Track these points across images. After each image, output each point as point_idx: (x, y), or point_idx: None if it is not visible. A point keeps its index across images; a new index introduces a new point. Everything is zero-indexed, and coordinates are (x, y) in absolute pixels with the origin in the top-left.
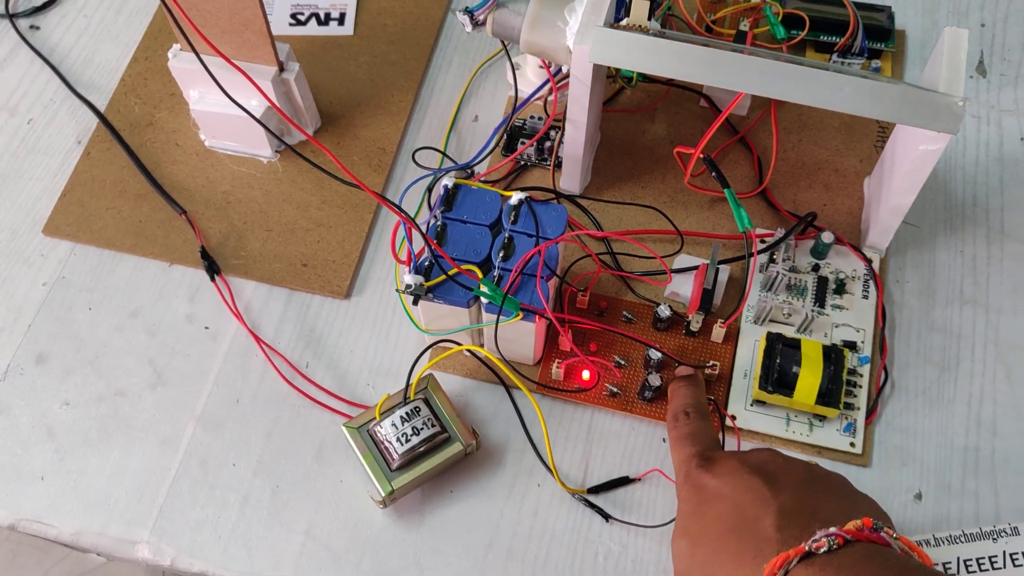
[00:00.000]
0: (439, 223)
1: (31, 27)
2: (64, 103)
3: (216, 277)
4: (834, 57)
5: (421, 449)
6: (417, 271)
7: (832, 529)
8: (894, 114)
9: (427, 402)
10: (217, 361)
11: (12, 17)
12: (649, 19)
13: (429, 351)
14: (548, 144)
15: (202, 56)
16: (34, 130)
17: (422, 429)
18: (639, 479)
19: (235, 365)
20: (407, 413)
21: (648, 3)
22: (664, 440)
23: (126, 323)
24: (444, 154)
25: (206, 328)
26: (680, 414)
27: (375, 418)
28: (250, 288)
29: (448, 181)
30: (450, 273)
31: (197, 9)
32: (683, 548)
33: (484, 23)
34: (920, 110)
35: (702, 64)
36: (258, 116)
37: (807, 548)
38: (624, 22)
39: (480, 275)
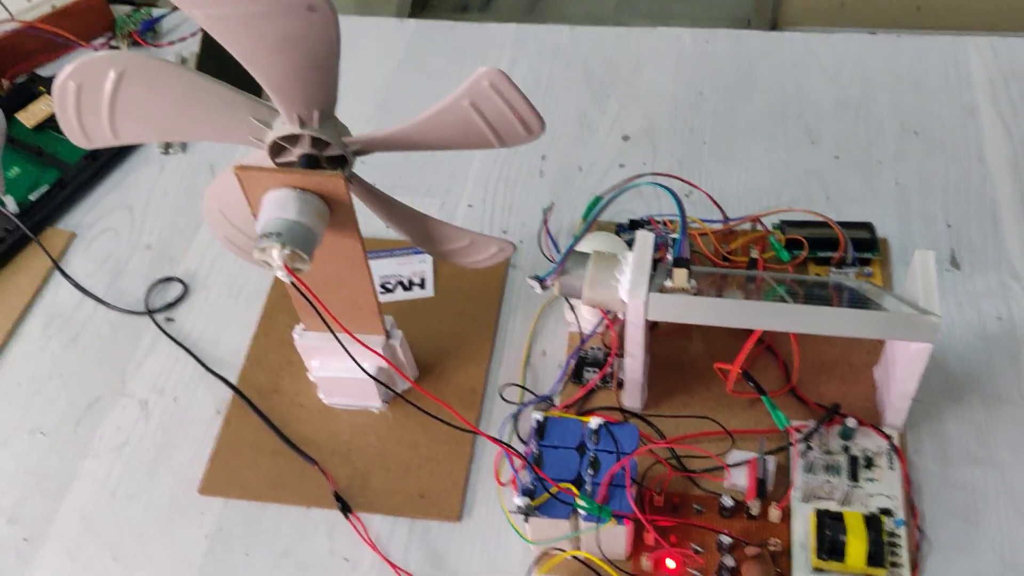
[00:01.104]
0: (536, 451)
1: (167, 319)
2: (202, 380)
3: (349, 515)
4: (832, 270)
5: None
6: (524, 493)
7: None
8: (884, 334)
9: None
10: None
11: (151, 313)
12: (688, 281)
13: (539, 560)
14: (609, 370)
15: (323, 332)
16: (180, 406)
17: None
18: None
19: None
20: None
21: (687, 271)
22: None
23: (279, 563)
24: (524, 388)
25: (346, 560)
26: None
27: None
28: (377, 520)
29: (538, 415)
30: (552, 491)
31: (323, 297)
32: None
33: (551, 286)
34: (905, 329)
35: (731, 313)
36: (373, 375)
37: None
38: (669, 284)
39: (576, 491)
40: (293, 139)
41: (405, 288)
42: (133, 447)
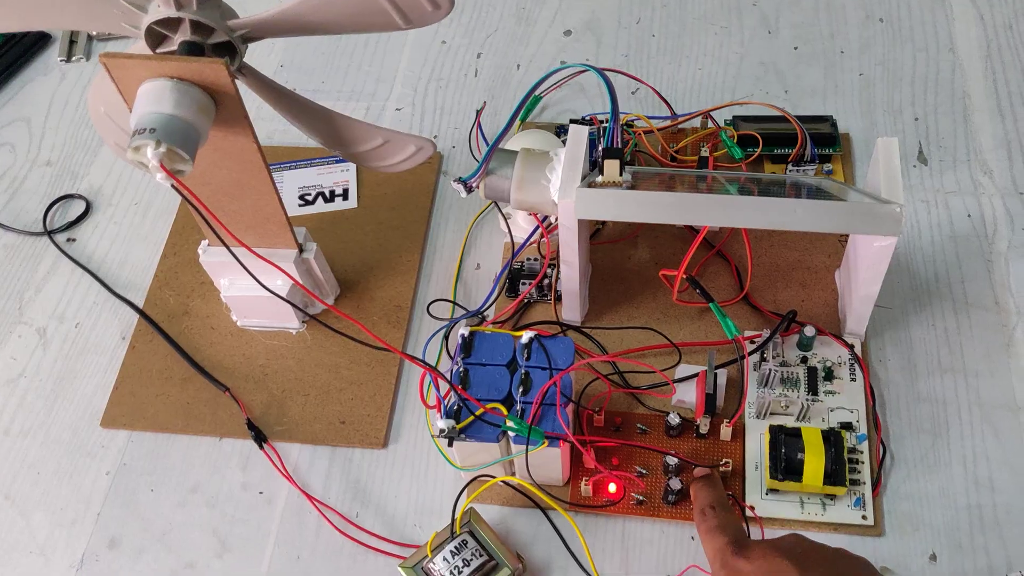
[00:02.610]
0: (461, 369)
1: (68, 240)
2: (106, 304)
3: (264, 445)
4: (789, 167)
5: None
6: (447, 415)
7: None
8: (844, 227)
9: (472, 534)
10: (275, 522)
11: (50, 234)
12: (620, 174)
13: (469, 487)
14: (547, 281)
15: (230, 248)
16: (82, 333)
17: (471, 560)
18: None
19: (291, 524)
20: (456, 547)
21: (618, 161)
22: (693, 538)
23: (187, 498)
24: (455, 303)
25: (260, 493)
26: (706, 509)
27: (427, 555)
28: (295, 450)
29: (464, 331)
30: (478, 413)
31: (224, 209)
32: None
33: (477, 188)
34: (865, 221)
35: (670, 208)
36: (284, 295)
37: None
38: (600, 179)
39: (505, 411)
40: (172, 25)
41: (326, 200)
42: (29, 379)
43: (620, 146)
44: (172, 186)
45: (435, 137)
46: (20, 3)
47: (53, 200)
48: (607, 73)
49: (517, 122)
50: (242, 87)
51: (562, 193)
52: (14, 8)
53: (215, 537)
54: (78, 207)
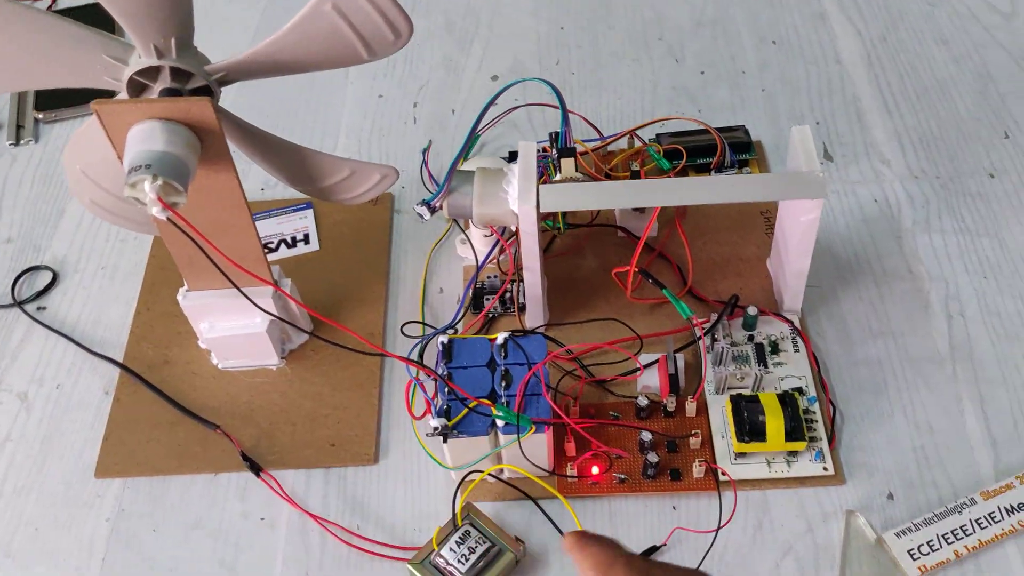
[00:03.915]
0: (445, 373)
1: (38, 308)
2: (85, 364)
3: (260, 473)
4: (712, 174)
5: (480, 564)
6: (438, 415)
7: None
8: (776, 194)
9: (473, 525)
10: (279, 545)
11: (20, 304)
12: (576, 170)
13: (461, 487)
14: (508, 295)
15: (206, 290)
16: (64, 392)
17: (477, 547)
18: (665, 543)
19: (296, 544)
20: (460, 537)
21: (573, 159)
22: (675, 507)
23: (190, 534)
24: (424, 324)
25: (262, 519)
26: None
27: (434, 549)
28: (290, 476)
29: (443, 339)
30: (471, 406)
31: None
32: None
33: (441, 209)
34: (794, 186)
35: (625, 193)
36: (264, 330)
37: None
38: (558, 177)
39: (492, 404)
40: (152, 74)
41: (289, 245)
42: (16, 442)
43: (572, 146)
44: (168, 219)
45: None
46: (9, 65)
47: (19, 273)
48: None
49: (461, 159)
50: None
51: (521, 201)
52: (3, 70)
53: (223, 567)
54: (45, 277)
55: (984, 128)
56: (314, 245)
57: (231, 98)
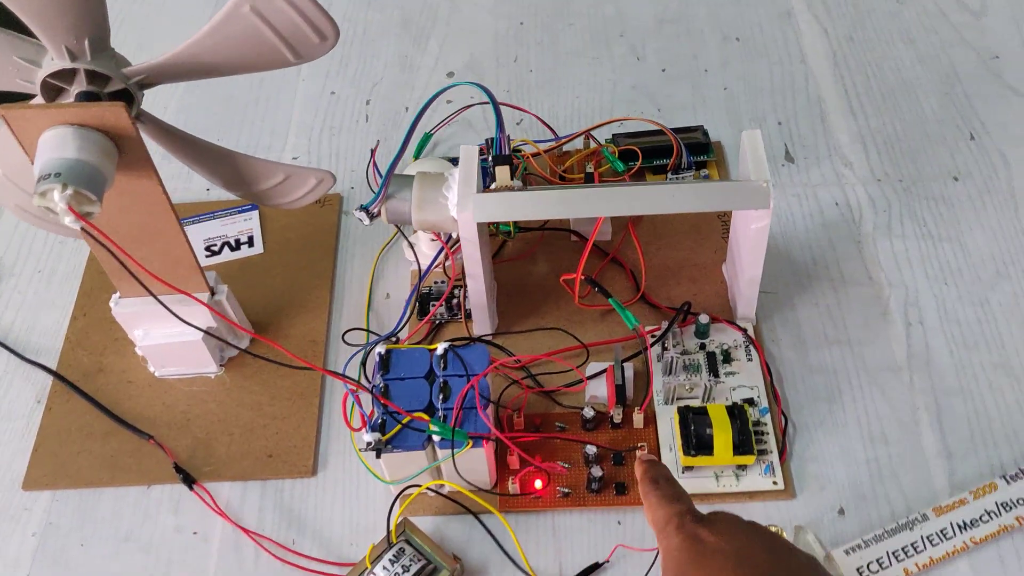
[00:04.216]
0: (382, 385)
1: None
2: (17, 371)
3: (193, 486)
4: (669, 176)
5: None
6: (373, 429)
7: None
8: (717, 204)
9: (408, 542)
10: (212, 560)
11: None
12: (512, 179)
13: (399, 499)
14: (455, 301)
15: (139, 297)
16: None
17: (411, 565)
18: (608, 560)
19: (229, 559)
20: (394, 555)
21: (508, 167)
22: (620, 523)
23: (120, 548)
24: (368, 331)
25: (195, 533)
26: (659, 479)
27: (367, 567)
28: (226, 488)
29: (381, 349)
30: (404, 421)
31: (133, 256)
32: None
33: (379, 215)
34: (737, 196)
35: (561, 203)
36: (201, 338)
37: None
38: (493, 186)
39: (428, 418)
40: (67, 77)
41: (232, 248)
42: None
43: (508, 154)
44: (82, 228)
45: None
46: None
47: None
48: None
49: (412, 158)
50: (143, 135)
51: (460, 207)
52: None
53: None
54: None
55: (949, 130)
56: (258, 248)
57: (178, 95)
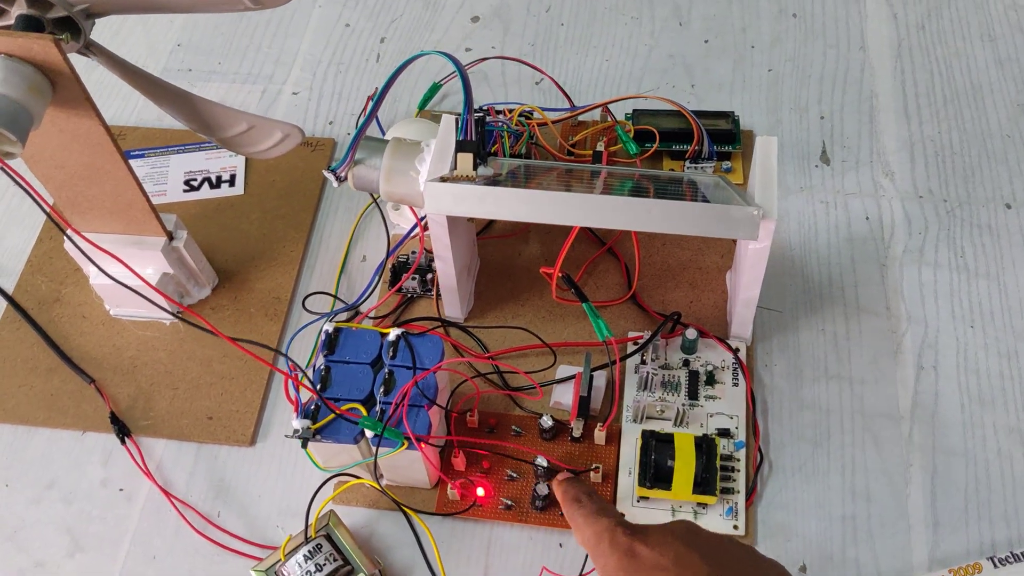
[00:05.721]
0: (323, 367)
1: None
2: None
3: (127, 440)
4: (687, 164)
5: None
6: (305, 415)
7: None
8: (698, 229)
9: (329, 538)
10: (132, 521)
11: None
12: (475, 168)
13: (331, 487)
14: (431, 275)
15: (97, 234)
16: None
17: (325, 565)
18: None
19: (150, 523)
20: (310, 551)
21: (471, 155)
22: (562, 545)
23: (43, 495)
24: (335, 296)
25: (120, 490)
26: (581, 496)
27: (281, 559)
28: (160, 446)
29: (328, 327)
30: (333, 416)
31: (83, 195)
32: None
33: (346, 179)
34: (722, 223)
35: (522, 205)
36: (154, 283)
37: None
38: (453, 174)
39: (364, 412)
40: None
41: (212, 185)
42: None
43: (476, 139)
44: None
45: (330, 123)
46: None
47: None
48: (467, 63)
49: (416, 108)
50: (95, 66)
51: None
52: None
53: (69, 536)
54: None
55: (1014, 149)
56: (239, 189)
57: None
